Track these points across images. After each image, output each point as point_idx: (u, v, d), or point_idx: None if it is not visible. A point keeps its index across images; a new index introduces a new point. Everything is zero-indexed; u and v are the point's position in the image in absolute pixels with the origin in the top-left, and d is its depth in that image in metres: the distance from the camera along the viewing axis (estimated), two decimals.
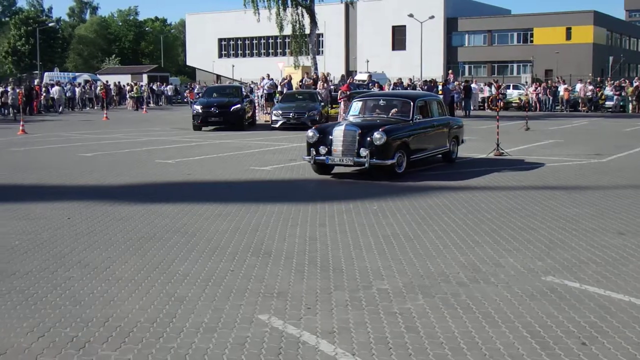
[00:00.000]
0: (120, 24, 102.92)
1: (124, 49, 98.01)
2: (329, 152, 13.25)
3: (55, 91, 40.21)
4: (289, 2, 36.95)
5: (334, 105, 28.60)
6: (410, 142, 13.69)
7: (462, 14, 69.10)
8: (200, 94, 35.66)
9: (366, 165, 12.86)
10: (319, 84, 30.31)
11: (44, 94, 40.52)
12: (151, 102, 48.36)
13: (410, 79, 38.02)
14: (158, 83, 54.35)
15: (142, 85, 46.67)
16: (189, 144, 21.19)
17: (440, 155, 15.76)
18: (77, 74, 59.34)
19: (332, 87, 31.68)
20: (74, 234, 8.56)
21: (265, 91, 33.06)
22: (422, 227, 8.94)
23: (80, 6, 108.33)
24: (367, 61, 59.70)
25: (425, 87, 34.44)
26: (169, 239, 8.28)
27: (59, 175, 14.28)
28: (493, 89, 37.28)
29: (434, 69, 58.26)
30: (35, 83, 45.02)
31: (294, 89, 31.37)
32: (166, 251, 7.70)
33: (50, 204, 10.74)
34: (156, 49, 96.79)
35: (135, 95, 43.16)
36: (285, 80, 33.27)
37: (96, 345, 5.01)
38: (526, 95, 40.67)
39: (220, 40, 74.61)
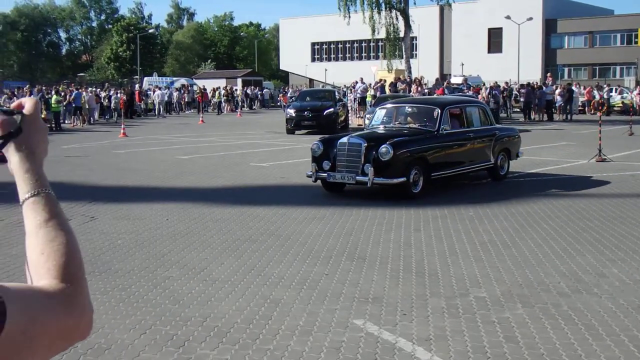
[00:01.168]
0: (216, 29, 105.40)
1: (219, 54, 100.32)
2: (333, 168, 11.56)
3: (156, 95, 41.60)
4: (383, 6, 36.86)
5: None
6: (430, 157, 11.76)
7: (561, 15, 67.11)
8: (293, 98, 36.04)
9: (368, 184, 11.04)
10: (413, 87, 30.07)
11: (144, 98, 42.01)
12: (245, 105, 49.29)
13: (507, 83, 37.14)
14: (252, 87, 55.34)
15: (221, 90, 47.55)
16: (282, 147, 21.43)
17: (485, 171, 13.58)
18: (174, 78, 61.10)
19: (426, 90, 31.37)
20: (172, 234, 8.78)
21: (358, 95, 33.08)
22: (521, 234, 8.69)
23: (178, 13, 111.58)
24: (462, 64, 58.83)
25: (523, 91, 33.57)
26: (264, 241, 8.37)
27: (158, 177, 14.72)
28: (596, 92, 35.98)
29: (532, 72, 56.78)
30: (136, 88, 46.68)
31: (387, 93, 31.25)
32: (261, 253, 7.79)
33: (149, 204, 11.07)
34: (250, 53, 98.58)
35: (217, 99, 43.93)
36: (379, 84, 33.19)
37: (195, 344, 5.10)
38: (630, 99, 38.99)
39: (313, 44, 75.23)
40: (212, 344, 5.12)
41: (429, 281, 6.70)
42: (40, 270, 1.10)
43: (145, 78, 59.97)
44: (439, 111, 12.28)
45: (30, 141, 1.19)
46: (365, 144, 11.32)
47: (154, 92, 43.12)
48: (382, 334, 5.32)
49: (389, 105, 13.88)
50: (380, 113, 13.44)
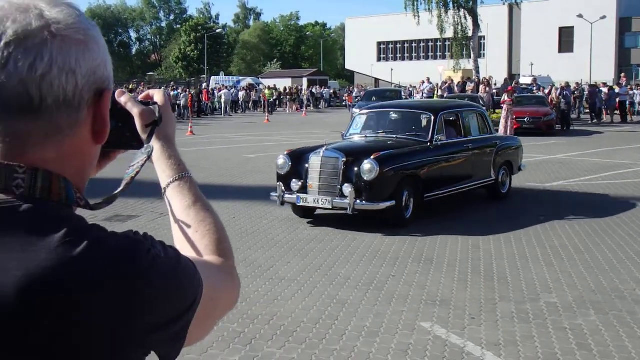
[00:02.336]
0: (282, 29, 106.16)
1: (285, 54, 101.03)
2: (304, 188, 9.39)
3: (223, 94, 42.18)
4: (451, 5, 36.47)
5: (496, 110, 27.86)
6: (423, 175, 9.67)
7: (636, 13, 65.04)
8: (359, 98, 35.98)
9: (349, 210, 8.81)
10: (481, 87, 29.64)
11: (211, 97, 42.65)
12: (311, 105, 49.50)
13: (578, 83, 36.20)
14: (317, 86, 55.53)
15: (273, 88, 47.73)
16: None
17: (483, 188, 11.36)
18: (240, 78, 61.81)
19: (494, 91, 30.87)
20: (239, 232, 8.87)
21: (425, 95, 32.80)
22: (594, 239, 8.44)
23: (245, 13, 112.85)
24: (532, 64, 57.66)
25: (590, 91, 32.65)
26: (330, 241, 8.37)
27: (224, 175, 14.90)
28: None
29: (604, 72, 55.20)
30: (203, 87, 47.43)
31: (454, 93, 30.88)
32: (327, 253, 7.79)
33: (216, 202, 11.17)
34: (316, 53, 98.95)
35: (268, 98, 44.03)
36: (446, 84, 32.83)
37: (262, 342, 5.13)
38: None
39: (379, 43, 74.93)
40: (279, 342, 5.14)
41: (498, 285, 6.57)
42: (196, 246, 1.19)
43: (212, 77, 60.88)
44: (432, 118, 10.24)
45: (167, 129, 1.28)
46: (344, 159, 9.11)
47: (220, 91, 43.71)
48: (450, 338, 5.25)
49: (370, 111, 11.90)
50: (360, 120, 11.30)
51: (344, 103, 51.38)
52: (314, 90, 52.46)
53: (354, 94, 45.71)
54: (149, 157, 1.17)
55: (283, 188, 9.41)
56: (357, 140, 10.62)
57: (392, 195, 8.96)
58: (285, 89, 51.42)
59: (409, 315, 5.74)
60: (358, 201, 8.82)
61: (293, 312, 5.83)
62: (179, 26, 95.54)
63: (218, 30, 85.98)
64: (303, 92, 50.11)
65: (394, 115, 11.22)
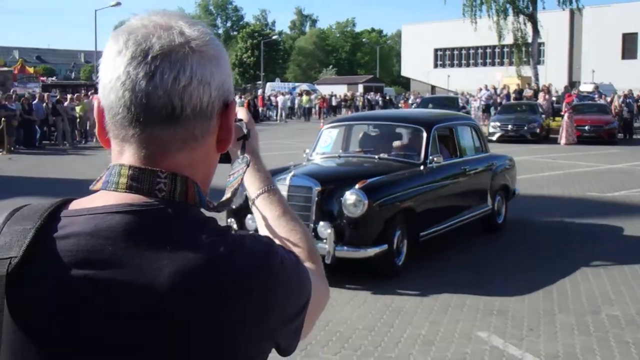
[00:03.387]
0: (338, 35, 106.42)
1: (340, 60, 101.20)
2: None
3: (280, 101, 42.50)
4: (510, 11, 35.95)
5: (555, 118, 27.37)
6: (418, 207, 7.44)
7: None
8: (415, 105, 35.79)
9: (328, 259, 6.53)
10: (540, 95, 29.15)
11: (266, 103, 43.02)
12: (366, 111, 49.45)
13: None
14: (372, 93, 55.44)
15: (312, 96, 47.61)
16: None
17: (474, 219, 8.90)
18: (296, 84, 62.16)
19: (553, 98, 30.32)
20: None
21: (482, 102, 32.43)
22: None
23: (301, 19, 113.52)
24: (593, 71, 56.43)
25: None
26: None
27: None
28: None
29: None
30: (259, 93, 47.85)
31: (512, 100, 30.45)
32: None
33: None
34: (372, 59, 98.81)
35: (304, 104, 43.83)
36: (505, 92, 32.39)
37: (317, 348, 5.16)
38: None
39: (436, 50, 74.37)
40: (334, 348, 5.16)
41: (557, 297, 6.46)
42: None
43: (268, 83, 61.36)
44: (425, 133, 7.97)
45: (253, 144, 1.35)
46: (319, 188, 6.90)
47: (276, 97, 44.04)
48: (508, 348, 5.18)
49: (342, 123, 9.42)
50: (329, 135, 8.84)
51: None
52: (369, 97, 52.39)
53: (409, 101, 45.50)
54: (248, 166, 1.26)
55: (235, 227, 6.64)
56: (331, 162, 8.25)
57: (382, 237, 6.86)
58: (326, 95, 51.43)
59: (465, 324, 5.69)
60: (339, 248, 6.67)
61: (349, 318, 5.84)
62: (235, 33, 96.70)
63: (274, 37, 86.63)
64: (358, 98, 50.09)
65: (374, 130, 8.93)
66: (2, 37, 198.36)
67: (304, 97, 43.91)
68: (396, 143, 8.41)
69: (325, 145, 8.69)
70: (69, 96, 25.96)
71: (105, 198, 1.02)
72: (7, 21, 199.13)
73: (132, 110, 1.01)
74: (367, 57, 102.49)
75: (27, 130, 22.47)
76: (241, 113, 1.35)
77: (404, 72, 79.70)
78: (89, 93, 28.80)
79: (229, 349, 0.98)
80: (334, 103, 47.12)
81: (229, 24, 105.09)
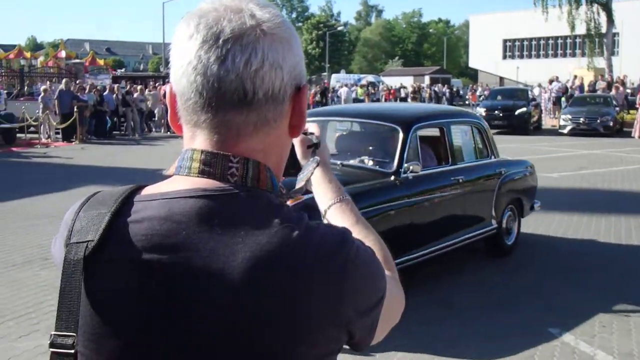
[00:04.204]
0: (404, 26, 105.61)
1: (406, 51, 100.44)
2: None
3: (342, 92, 42.47)
4: (583, 0, 34.94)
5: (630, 111, 26.49)
6: (385, 229, 5.62)
7: None
8: (483, 97, 35.23)
9: None
10: (614, 87, 28.27)
11: (331, 94, 43.05)
12: (433, 103, 48.97)
13: None
14: (439, 85, 54.87)
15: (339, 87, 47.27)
16: None
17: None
18: (361, 75, 61.98)
19: (628, 90, 29.36)
20: None
21: (553, 94, 31.66)
22: None
23: (367, 10, 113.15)
24: None
25: None
26: None
27: None
28: None
29: None
30: (323, 84, 47.93)
31: (585, 92, 29.62)
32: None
33: None
34: (438, 50, 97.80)
35: (359, 96, 43.31)
36: (578, 84, 31.53)
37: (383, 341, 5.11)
38: None
39: (505, 41, 72.98)
40: (396, 341, 5.11)
41: (632, 295, 6.25)
42: None
43: (333, 75, 61.40)
44: (401, 134, 6.39)
45: (324, 156, 1.39)
46: None
47: (341, 88, 44.01)
48: (579, 345, 5.04)
49: (311, 119, 6.04)
50: None
51: (467, 102, 50.52)
52: (435, 89, 51.86)
53: (477, 93, 44.85)
54: (318, 165, 1.30)
55: None
56: None
57: None
58: (384, 87, 51.01)
59: (536, 320, 5.56)
60: None
61: (403, 313, 5.78)
62: (300, 24, 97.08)
63: (339, 28, 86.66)
64: (425, 90, 49.64)
65: (340, 128, 7.47)
66: (73, 30, 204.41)
67: (359, 90, 43.65)
68: (366, 146, 6.79)
69: None
70: (138, 87, 26.53)
71: (179, 183, 1.02)
72: (78, 14, 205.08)
73: (203, 95, 1.00)
74: (434, 48, 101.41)
75: (99, 121, 23.08)
76: (313, 128, 1.39)
77: (472, 64, 78.54)
78: (157, 84, 29.38)
79: (303, 333, 0.96)
80: (402, 94, 46.72)
81: (294, 15, 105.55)
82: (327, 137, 6.75)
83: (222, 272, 0.94)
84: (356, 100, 41.35)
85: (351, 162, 6.41)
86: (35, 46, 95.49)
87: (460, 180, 6.79)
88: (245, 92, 0.99)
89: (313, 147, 1.35)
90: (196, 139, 1.04)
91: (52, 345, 0.99)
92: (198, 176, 1.01)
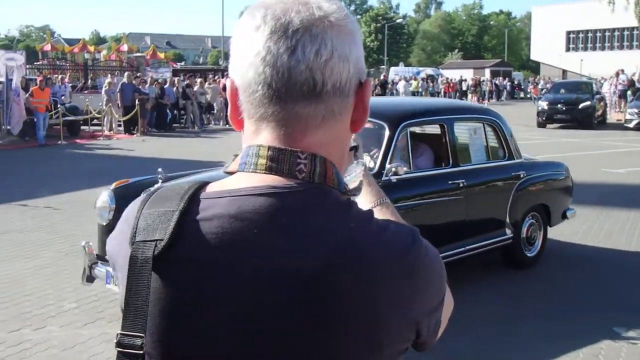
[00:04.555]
0: (464, 18, 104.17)
1: (466, 44, 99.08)
2: None
3: (401, 86, 42.20)
4: None
5: None
6: None
7: None
8: (545, 90, 34.50)
9: None
10: None
11: (390, 87, 42.81)
12: (493, 97, 48.21)
13: None
14: (500, 78, 53.98)
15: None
16: (532, 141, 20.56)
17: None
18: (420, 68, 61.42)
19: None
20: None
21: (618, 88, 30.77)
22: None
23: (426, 2, 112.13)
24: None
25: None
26: None
27: None
28: None
29: None
30: (382, 78, 47.71)
31: None
32: None
33: None
34: (499, 43, 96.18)
35: (412, 89, 42.61)
36: None
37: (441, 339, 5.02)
38: None
39: (568, 32, 71.32)
40: (457, 338, 5.01)
41: None
42: None
43: (392, 68, 61.01)
44: (388, 132, 5.85)
45: (362, 157, 1.37)
46: None
47: (399, 82, 43.71)
48: None
49: None
50: None
51: (528, 95, 49.59)
52: (496, 82, 51.04)
53: (539, 86, 43.94)
54: (365, 167, 1.31)
55: (96, 252, 5.53)
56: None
57: None
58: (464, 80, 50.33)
59: (601, 319, 5.39)
60: None
61: (463, 309, 5.67)
62: (359, 17, 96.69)
63: (398, 20, 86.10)
64: (486, 83, 48.88)
65: None
66: (134, 24, 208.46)
67: (413, 83, 43.20)
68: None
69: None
70: (198, 80, 26.86)
71: (245, 180, 1.00)
72: (139, 8, 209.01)
73: (272, 87, 0.98)
74: (495, 41, 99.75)
75: (159, 113, 23.45)
76: None
77: (534, 56, 77.05)
78: (216, 78, 29.68)
79: (379, 332, 0.95)
80: (464, 88, 46.10)
81: (352, 8, 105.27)
82: None
83: (295, 272, 0.93)
84: (413, 93, 41.03)
85: None
86: (99, 40, 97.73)
87: (461, 185, 6.11)
88: (315, 83, 0.98)
89: (354, 150, 1.32)
90: (261, 134, 1.02)
91: (119, 345, 0.97)
92: (265, 173, 1.00)
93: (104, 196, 5.70)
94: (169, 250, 0.96)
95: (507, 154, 6.85)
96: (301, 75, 0.98)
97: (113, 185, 5.85)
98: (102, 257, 5.40)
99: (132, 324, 0.96)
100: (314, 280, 0.92)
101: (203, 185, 1.03)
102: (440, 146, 6.36)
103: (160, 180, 5.42)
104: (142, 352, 0.96)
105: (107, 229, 5.53)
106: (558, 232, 7.74)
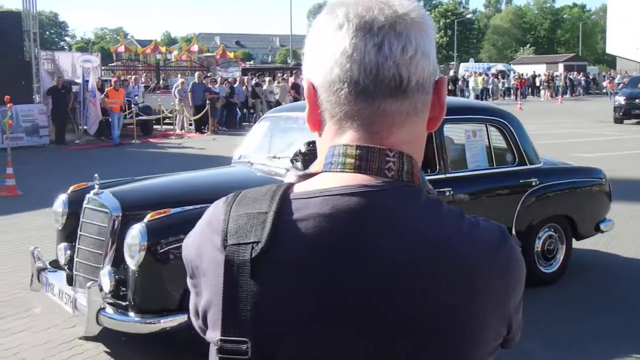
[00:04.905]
0: (536, 12, 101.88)
1: (538, 38, 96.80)
2: (71, 262, 5.23)
3: (471, 82, 41.50)
4: None
5: None
6: None
7: None
8: (622, 84, 33.35)
9: (87, 328, 4.60)
10: None
11: (460, 83, 42.18)
12: (567, 92, 46.95)
13: None
14: (574, 73, 52.52)
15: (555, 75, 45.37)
16: (608, 138, 19.91)
17: None
18: (491, 64, 60.33)
19: None
20: None
21: None
22: None
23: None
24: None
25: None
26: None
27: None
28: None
29: None
30: (451, 74, 47.05)
31: None
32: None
33: None
34: (573, 36, 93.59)
35: (477, 86, 41.49)
36: None
37: None
38: None
39: None
40: None
41: None
42: None
43: (462, 64, 60.14)
44: None
45: None
46: (118, 214, 4.85)
47: (469, 78, 42.98)
48: None
49: (274, 115, 6.59)
50: (259, 130, 6.37)
51: (604, 90, 48.11)
52: (571, 77, 49.68)
53: (616, 80, 42.56)
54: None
55: (39, 263, 5.31)
56: (211, 173, 6.16)
57: (163, 302, 4.57)
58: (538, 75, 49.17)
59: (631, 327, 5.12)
60: (110, 310, 4.56)
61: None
62: (428, 12, 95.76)
63: (468, 16, 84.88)
64: (560, 78, 47.61)
65: (295, 126, 5.97)
66: (204, 24, 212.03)
67: (478, 79, 42.26)
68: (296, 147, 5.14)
69: (250, 145, 6.24)
70: (266, 79, 27.03)
71: (333, 180, 1.00)
72: (209, 8, 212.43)
73: (359, 83, 0.99)
74: (568, 35, 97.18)
75: (229, 112, 23.70)
76: None
77: (610, 50, 74.62)
78: (285, 76, 29.81)
79: (476, 329, 0.96)
80: (537, 83, 45.00)
81: (421, 3, 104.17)
82: (286, 138, 5.94)
83: (395, 271, 0.93)
84: (482, 91, 40.31)
85: (276, 163, 5.44)
86: (170, 41, 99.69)
87: (448, 194, 5.48)
88: (401, 80, 0.99)
89: None
90: (345, 133, 1.02)
91: (222, 351, 0.95)
92: (354, 172, 0.99)
93: (59, 200, 5.50)
94: (266, 252, 0.94)
95: (517, 159, 6.15)
96: (388, 71, 0.98)
97: (70, 189, 5.56)
98: (55, 262, 5.33)
99: (235, 329, 0.95)
100: (416, 278, 0.93)
101: (290, 185, 1.02)
102: (426, 151, 5.44)
103: (96, 186, 5.09)
104: (247, 357, 0.94)
105: (63, 233, 5.45)
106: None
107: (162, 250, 4.47)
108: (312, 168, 1.04)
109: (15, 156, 12.29)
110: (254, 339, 0.94)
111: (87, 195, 5.11)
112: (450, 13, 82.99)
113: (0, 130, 16.76)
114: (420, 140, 1.06)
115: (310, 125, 1.07)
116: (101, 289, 4.54)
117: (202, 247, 1.01)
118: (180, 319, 4.37)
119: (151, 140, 20.44)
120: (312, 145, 1.27)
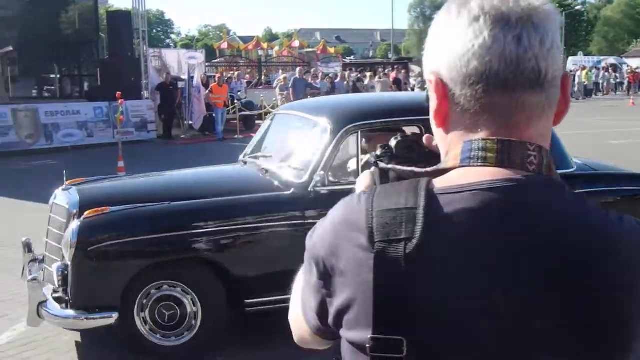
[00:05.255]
0: None
1: None
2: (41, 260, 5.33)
3: (577, 76, 40.02)
4: None
5: None
6: (245, 258, 4.85)
7: None
8: None
9: (37, 315, 4.71)
10: None
11: (571, 78, 40.75)
12: None
13: None
14: None
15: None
16: None
17: None
18: (601, 57, 58.05)
19: None
20: None
21: None
22: None
23: None
24: None
25: None
26: None
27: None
28: None
29: None
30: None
31: None
32: None
33: None
34: None
35: (582, 81, 39.48)
36: None
37: None
38: None
39: None
40: None
41: None
42: None
43: (570, 58, 58.15)
44: (328, 134, 5.00)
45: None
46: (76, 210, 4.81)
47: (576, 72, 41.44)
48: None
49: (276, 112, 6.86)
50: (264, 127, 6.39)
51: None
52: None
53: None
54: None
55: (34, 251, 5.45)
56: (203, 171, 6.58)
57: (114, 300, 4.58)
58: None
59: None
60: (51, 305, 4.65)
61: None
62: None
63: (577, 7, 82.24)
64: None
65: (283, 124, 6.10)
66: (305, 20, 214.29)
67: (582, 73, 40.49)
68: (293, 147, 5.57)
69: (256, 144, 6.23)
70: (367, 74, 26.92)
71: (474, 174, 0.99)
72: (309, 4, 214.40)
73: (499, 75, 0.97)
74: None
75: None
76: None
77: None
78: (386, 71, 29.62)
79: (635, 321, 0.94)
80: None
81: None
82: (279, 136, 6.02)
83: (552, 265, 0.92)
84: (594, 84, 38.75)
85: (282, 165, 5.29)
86: (271, 37, 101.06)
87: None
88: (540, 72, 0.98)
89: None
90: (480, 127, 1.00)
91: (374, 349, 0.94)
92: (495, 166, 0.98)
93: (53, 194, 5.45)
94: (420, 248, 0.93)
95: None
96: (529, 63, 0.97)
97: (66, 183, 5.49)
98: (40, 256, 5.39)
99: (389, 328, 0.94)
100: (572, 274, 0.91)
101: (430, 180, 1.01)
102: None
103: (65, 183, 5.32)
104: (402, 356, 0.93)
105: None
106: None
107: (92, 248, 4.52)
108: (449, 163, 1.02)
109: (125, 150, 12.71)
110: (411, 338, 0.93)
111: (55, 191, 5.30)
112: (558, 5, 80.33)
113: (112, 125, 17.43)
114: (549, 134, 1.05)
115: (437, 121, 1.05)
116: (39, 284, 4.77)
117: (338, 245, 1.00)
118: (115, 316, 4.52)
119: (253, 135, 20.71)
120: (402, 140, 1.28)
